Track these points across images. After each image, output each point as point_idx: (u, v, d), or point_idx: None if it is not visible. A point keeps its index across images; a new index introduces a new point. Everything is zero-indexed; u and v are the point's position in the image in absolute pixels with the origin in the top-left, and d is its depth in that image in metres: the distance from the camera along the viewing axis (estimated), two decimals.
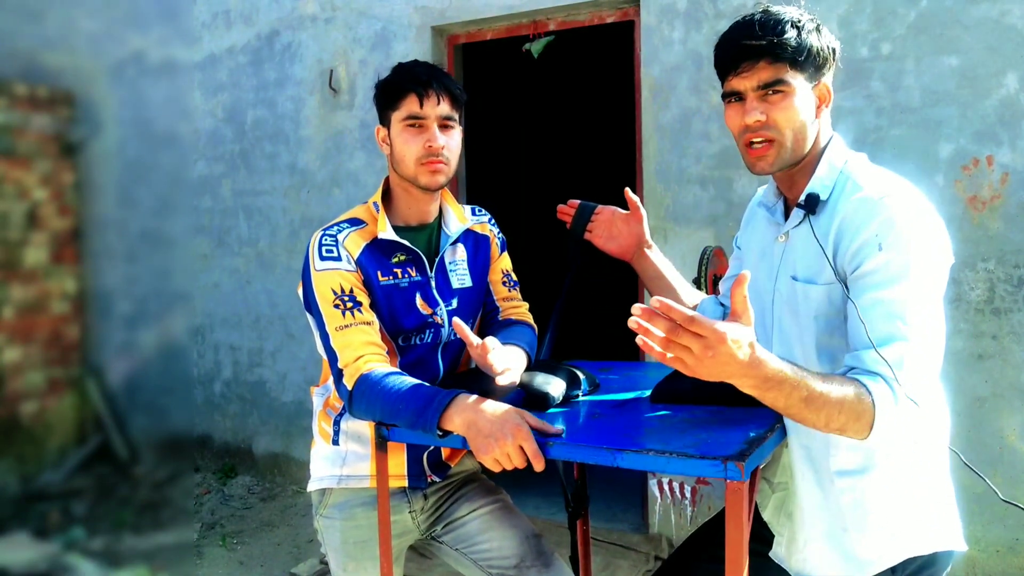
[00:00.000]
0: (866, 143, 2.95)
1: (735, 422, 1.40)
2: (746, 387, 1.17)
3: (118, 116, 2.39)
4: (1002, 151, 2.82)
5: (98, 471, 2.38)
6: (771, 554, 1.52)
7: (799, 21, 1.38)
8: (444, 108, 1.66)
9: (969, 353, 2.91)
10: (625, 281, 4.09)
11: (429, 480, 1.80)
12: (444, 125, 1.67)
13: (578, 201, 1.95)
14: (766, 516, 1.55)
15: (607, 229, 1.90)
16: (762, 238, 1.58)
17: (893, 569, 1.39)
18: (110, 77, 2.33)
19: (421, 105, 1.65)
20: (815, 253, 1.37)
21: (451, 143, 1.68)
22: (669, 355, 1.10)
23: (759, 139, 1.40)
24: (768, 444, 1.33)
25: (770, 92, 1.38)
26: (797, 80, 1.38)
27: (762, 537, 1.54)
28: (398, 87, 1.68)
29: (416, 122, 1.66)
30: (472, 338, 1.52)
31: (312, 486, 1.83)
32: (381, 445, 1.57)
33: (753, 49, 1.37)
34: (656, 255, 1.87)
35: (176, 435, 2.46)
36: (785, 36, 1.36)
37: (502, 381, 1.52)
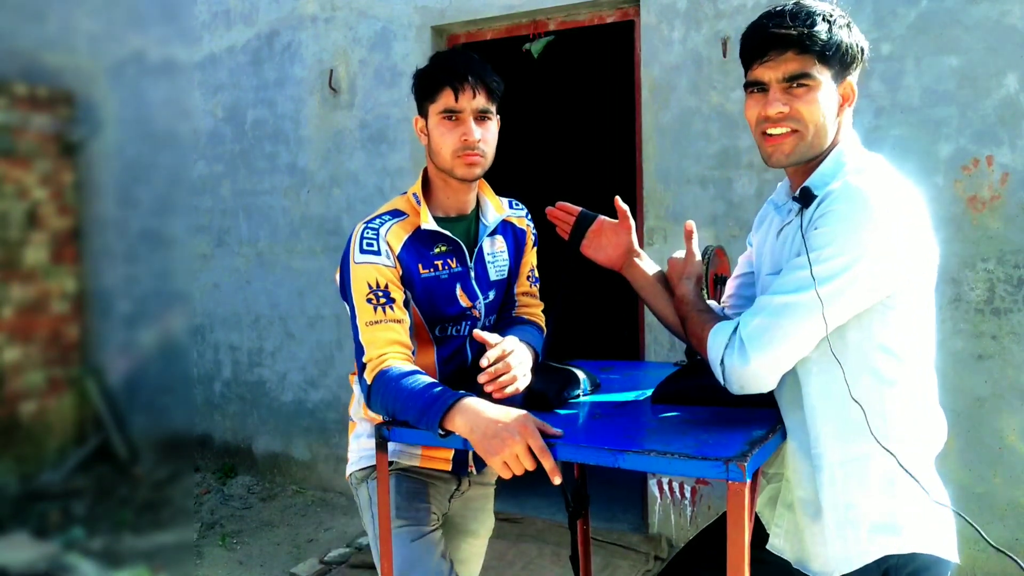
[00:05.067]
0: (866, 143, 2.95)
1: (737, 423, 1.40)
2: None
3: (118, 116, 2.39)
4: (1002, 151, 2.83)
5: (98, 471, 2.38)
6: (768, 546, 1.52)
7: (831, 16, 1.36)
8: (480, 101, 1.67)
9: (969, 353, 2.91)
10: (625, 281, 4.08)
11: (470, 469, 1.83)
12: (480, 117, 1.68)
13: (568, 204, 1.86)
14: (757, 508, 1.55)
15: (595, 239, 1.82)
16: (770, 235, 1.57)
17: (885, 571, 1.39)
18: (110, 77, 2.33)
19: (456, 99, 1.65)
20: (799, 248, 1.36)
21: (487, 135, 1.70)
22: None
23: (779, 129, 1.39)
24: (769, 445, 1.33)
25: (795, 85, 1.36)
26: (823, 75, 1.36)
27: (755, 541, 1.54)
28: (434, 80, 1.68)
29: (452, 115, 1.66)
30: (490, 340, 1.56)
31: (362, 464, 1.82)
32: (382, 445, 1.58)
33: (781, 38, 1.35)
34: (646, 263, 1.80)
35: (176, 435, 2.45)
36: (815, 28, 1.34)
37: (509, 390, 1.52)
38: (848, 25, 1.38)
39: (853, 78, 1.41)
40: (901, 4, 2.94)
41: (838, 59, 1.36)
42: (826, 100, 1.37)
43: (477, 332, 1.56)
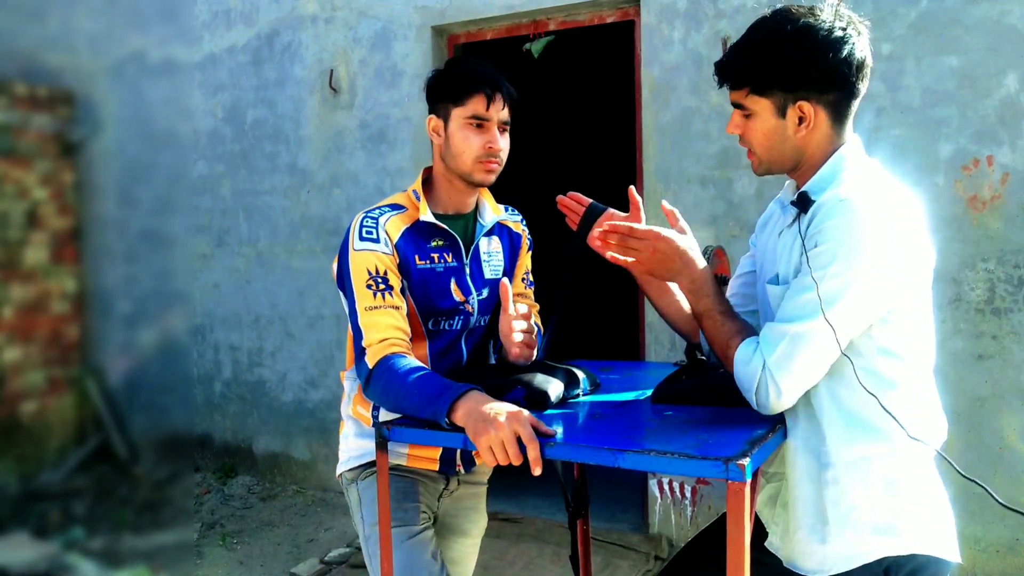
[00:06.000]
0: (866, 143, 2.95)
1: (736, 422, 1.40)
2: (685, 287, 1.46)
3: (118, 116, 2.39)
4: (1002, 151, 2.83)
5: (98, 471, 2.38)
6: (766, 543, 1.53)
7: (774, 40, 1.37)
8: (505, 113, 1.73)
9: (969, 353, 2.91)
10: (625, 280, 4.08)
11: (458, 469, 1.85)
12: (502, 128, 1.74)
13: (579, 195, 1.86)
14: (756, 507, 1.55)
15: None
16: (773, 236, 1.58)
17: (885, 570, 1.39)
18: (110, 77, 2.33)
19: (488, 107, 1.69)
20: (798, 252, 1.38)
21: (506, 145, 1.76)
22: (630, 259, 1.46)
23: (745, 147, 1.48)
24: (769, 444, 1.33)
25: (742, 109, 1.44)
26: (759, 104, 1.40)
27: (755, 541, 1.54)
28: (467, 84, 1.71)
29: (480, 122, 1.70)
30: (510, 306, 1.61)
31: (351, 464, 1.83)
32: (382, 445, 1.57)
33: (718, 71, 1.44)
34: None
35: (176, 435, 2.46)
36: (742, 64, 1.40)
37: (517, 352, 1.61)
38: (803, 46, 1.35)
39: (821, 95, 1.38)
40: (901, 4, 2.94)
41: (778, 84, 1.38)
42: (766, 127, 1.42)
43: (504, 281, 1.65)
